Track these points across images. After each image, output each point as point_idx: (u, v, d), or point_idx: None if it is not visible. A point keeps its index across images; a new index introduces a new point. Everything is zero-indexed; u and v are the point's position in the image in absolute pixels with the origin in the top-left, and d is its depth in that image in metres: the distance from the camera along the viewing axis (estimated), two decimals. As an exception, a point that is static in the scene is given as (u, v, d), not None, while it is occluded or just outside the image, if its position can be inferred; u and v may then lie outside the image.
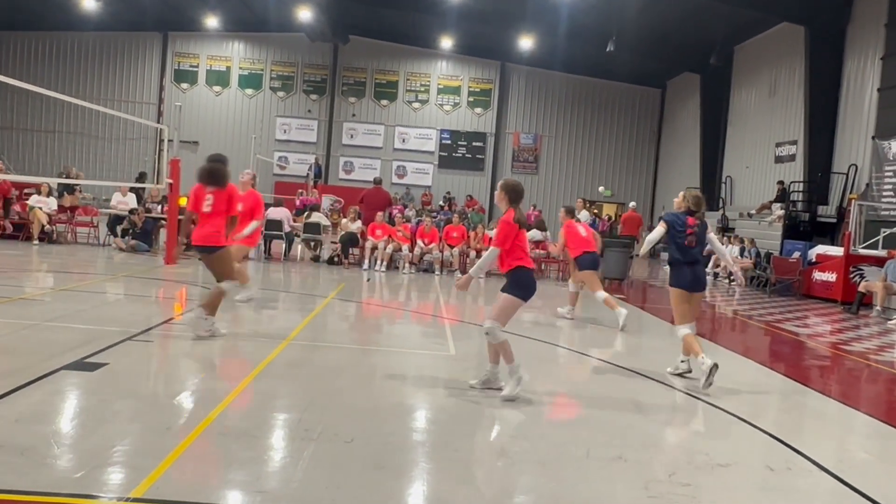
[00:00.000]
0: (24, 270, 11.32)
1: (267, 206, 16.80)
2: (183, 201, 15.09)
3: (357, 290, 12.08)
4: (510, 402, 5.31)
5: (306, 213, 16.85)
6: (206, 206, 6.82)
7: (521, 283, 5.44)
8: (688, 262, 6.73)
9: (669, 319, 11.48)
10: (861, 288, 13.35)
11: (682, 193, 7.23)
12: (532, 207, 29.01)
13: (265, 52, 31.67)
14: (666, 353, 8.59)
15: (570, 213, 10.40)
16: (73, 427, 4.28)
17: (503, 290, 5.49)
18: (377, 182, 16.93)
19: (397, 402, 5.30)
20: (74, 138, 30.73)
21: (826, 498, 4.10)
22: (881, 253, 14.40)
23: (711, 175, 26.15)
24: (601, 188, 26.68)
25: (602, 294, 9.70)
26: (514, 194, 5.57)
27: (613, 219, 29.71)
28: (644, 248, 7.12)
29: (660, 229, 6.82)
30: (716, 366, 6.10)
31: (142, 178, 21.92)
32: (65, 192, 18.27)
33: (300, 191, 23.63)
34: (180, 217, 14.51)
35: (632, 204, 21.92)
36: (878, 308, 12.74)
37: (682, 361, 6.80)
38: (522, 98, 31.93)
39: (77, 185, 19.41)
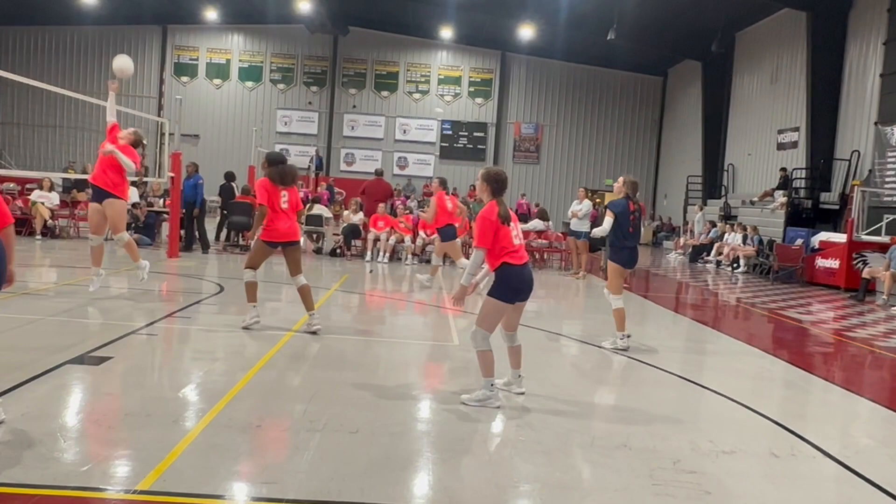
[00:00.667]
0: (27, 265, 11.33)
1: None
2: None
3: (360, 282, 12.09)
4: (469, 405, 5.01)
5: (308, 206, 16.84)
6: (284, 203, 7.16)
7: (504, 283, 4.96)
8: (629, 247, 7.29)
9: (673, 308, 11.50)
10: (865, 274, 13.32)
11: (621, 179, 7.49)
12: (521, 196, 29.06)
13: (265, 45, 31.59)
14: (669, 341, 8.61)
15: (443, 184, 11.08)
16: (78, 421, 4.30)
17: (489, 292, 5.04)
18: (378, 173, 16.92)
19: (402, 392, 5.32)
20: (75, 133, 30.69)
21: (830, 483, 4.11)
22: (884, 239, 14.37)
23: (713, 163, 26.10)
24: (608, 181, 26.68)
25: (463, 261, 10.50)
26: (497, 185, 5.06)
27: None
28: (598, 233, 7.43)
29: (609, 220, 7.16)
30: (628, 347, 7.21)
31: (143, 171, 21.90)
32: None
33: (300, 182, 23.56)
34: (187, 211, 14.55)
35: None
36: (884, 297, 12.70)
37: (622, 339, 7.27)
38: (523, 87, 31.84)
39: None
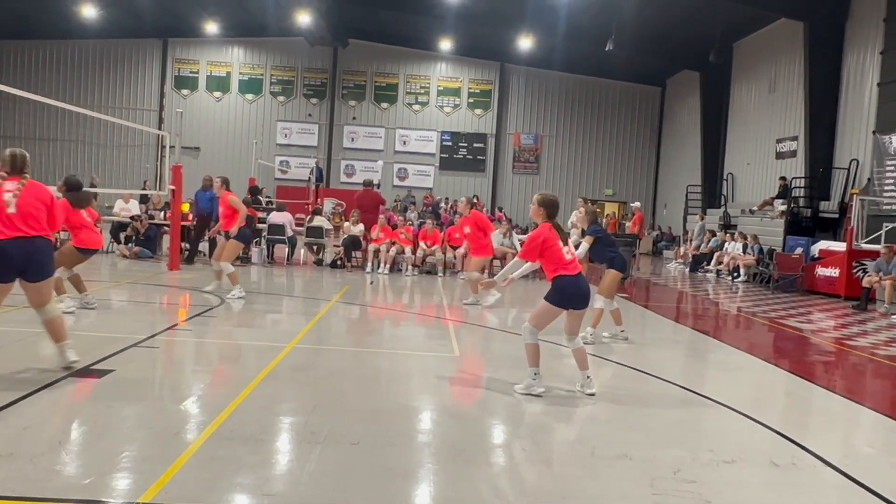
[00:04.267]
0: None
1: (269, 210, 16.87)
2: (185, 207, 15.15)
3: (360, 293, 12.10)
4: (526, 396, 5.62)
5: (309, 217, 16.89)
6: (87, 217, 8.31)
7: (559, 291, 5.62)
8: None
9: (674, 318, 11.50)
10: (865, 283, 13.32)
11: (583, 209, 8.55)
12: (499, 210, 29.21)
13: (265, 57, 31.74)
14: (669, 351, 8.62)
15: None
16: (81, 434, 4.31)
17: (545, 296, 5.69)
18: (367, 184, 16.98)
19: (403, 403, 5.33)
20: (77, 146, 30.81)
21: (831, 493, 4.11)
22: (884, 248, 14.38)
23: (713, 172, 26.15)
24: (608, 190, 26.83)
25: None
26: (552, 209, 5.89)
27: (616, 217, 29.78)
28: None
29: (586, 245, 7.98)
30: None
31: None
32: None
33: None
34: (185, 224, 14.63)
35: (637, 203, 22.07)
36: (885, 305, 12.68)
37: (622, 330, 8.36)
38: (522, 98, 31.95)
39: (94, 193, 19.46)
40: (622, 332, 8.41)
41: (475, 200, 12.35)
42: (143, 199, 19.20)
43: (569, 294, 5.62)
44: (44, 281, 5.40)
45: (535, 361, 5.67)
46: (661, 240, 28.94)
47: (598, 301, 7.91)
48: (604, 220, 27.61)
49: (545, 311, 5.68)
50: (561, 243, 5.67)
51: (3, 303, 5.38)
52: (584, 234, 8.31)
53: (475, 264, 11.25)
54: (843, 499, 4.02)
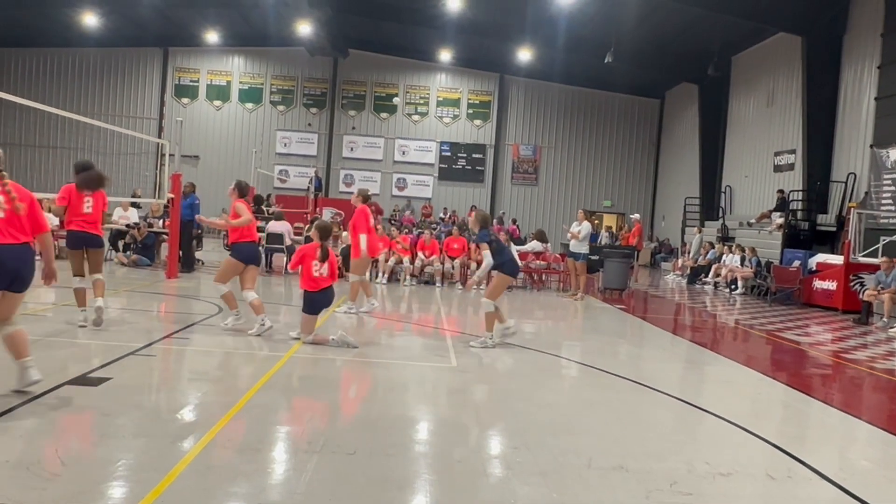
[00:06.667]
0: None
1: (267, 219, 16.89)
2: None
3: (358, 303, 12.07)
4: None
5: (307, 227, 16.88)
6: (88, 207, 7.94)
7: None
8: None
9: (671, 330, 11.51)
10: (866, 297, 13.30)
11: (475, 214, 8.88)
12: (513, 221, 29.32)
13: (265, 67, 31.84)
14: (667, 363, 8.62)
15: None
16: (77, 442, 4.31)
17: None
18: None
19: (399, 414, 5.32)
20: (76, 154, 30.79)
21: (827, 506, 4.11)
22: (881, 261, 14.40)
23: (711, 184, 26.22)
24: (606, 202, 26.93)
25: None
26: (325, 232, 7.94)
27: (616, 229, 29.81)
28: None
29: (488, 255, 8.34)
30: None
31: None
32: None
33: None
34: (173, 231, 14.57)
35: (636, 216, 22.08)
36: (884, 319, 12.67)
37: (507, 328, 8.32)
38: (521, 110, 32.05)
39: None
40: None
41: (369, 194, 11.25)
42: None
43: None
44: (23, 293, 4.92)
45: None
46: (660, 251, 28.98)
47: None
48: (603, 233, 27.66)
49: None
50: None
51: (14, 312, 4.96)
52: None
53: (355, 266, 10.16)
54: (839, 512, 4.02)
